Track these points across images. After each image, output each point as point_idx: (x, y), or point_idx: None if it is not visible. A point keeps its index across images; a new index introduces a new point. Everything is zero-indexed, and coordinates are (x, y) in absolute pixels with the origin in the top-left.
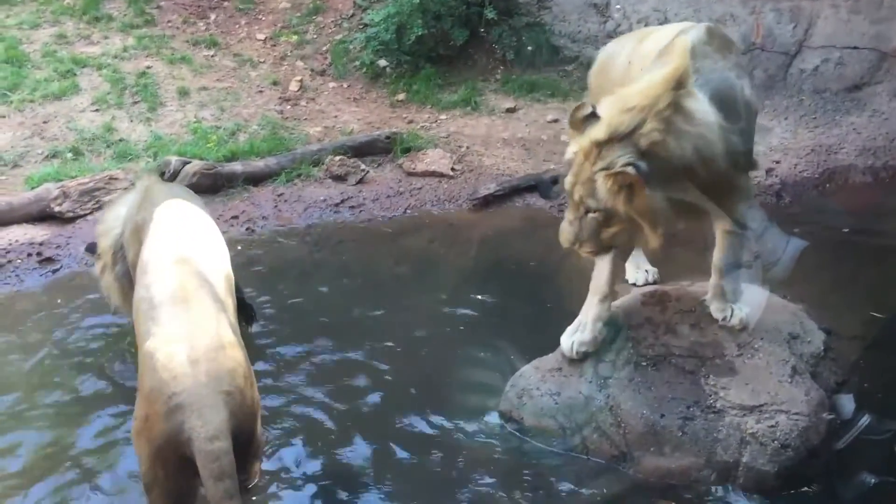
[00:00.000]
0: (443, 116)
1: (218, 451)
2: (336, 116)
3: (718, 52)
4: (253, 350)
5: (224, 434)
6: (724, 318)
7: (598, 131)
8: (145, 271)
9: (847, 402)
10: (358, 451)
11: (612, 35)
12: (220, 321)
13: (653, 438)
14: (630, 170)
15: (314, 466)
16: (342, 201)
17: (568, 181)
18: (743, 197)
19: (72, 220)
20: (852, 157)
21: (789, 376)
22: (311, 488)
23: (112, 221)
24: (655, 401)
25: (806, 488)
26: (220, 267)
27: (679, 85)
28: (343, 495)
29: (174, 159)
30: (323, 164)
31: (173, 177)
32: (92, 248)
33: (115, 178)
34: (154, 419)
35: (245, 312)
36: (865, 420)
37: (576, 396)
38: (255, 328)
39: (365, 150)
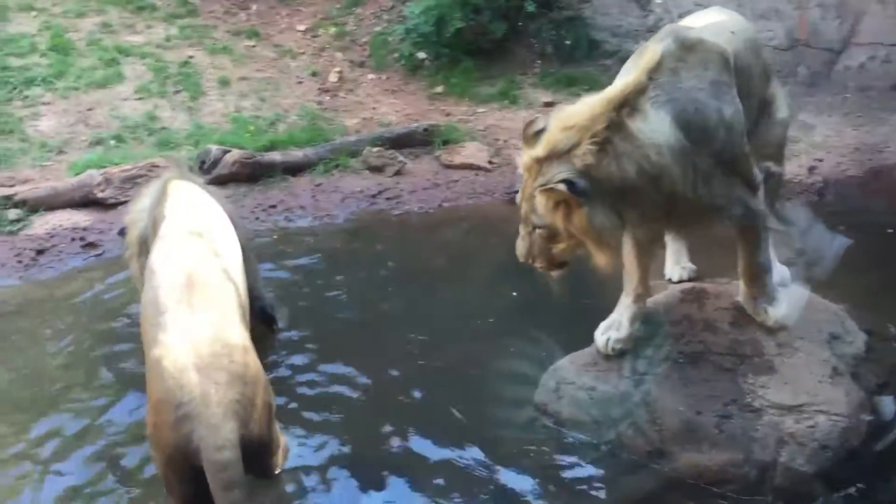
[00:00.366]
0: (481, 109)
1: (226, 462)
2: (374, 108)
3: (694, 68)
4: (287, 341)
5: (232, 443)
6: (760, 319)
7: (538, 148)
8: (153, 272)
9: (888, 404)
10: (391, 442)
11: (652, 29)
12: (228, 326)
13: (689, 436)
14: (561, 187)
15: (345, 455)
16: (379, 192)
17: (518, 196)
18: (739, 212)
19: (114, 206)
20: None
21: (829, 377)
22: (342, 478)
23: (138, 213)
24: (692, 398)
25: (844, 491)
26: (229, 271)
27: (622, 104)
28: (376, 485)
29: (214, 148)
30: (361, 155)
31: (213, 165)
32: (123, 232)
33: (157, 166)
34: (163, 428)
35: (266, 319)
36: None
37: (611, 392)
38: (279, 330)
39: (403, 142)
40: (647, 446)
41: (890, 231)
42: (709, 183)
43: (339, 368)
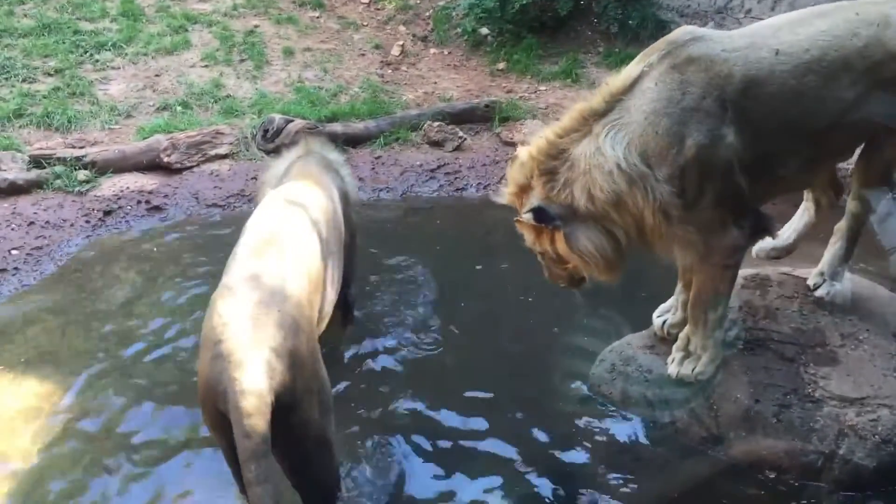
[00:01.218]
0: (542, 87)
1: (250, 408)
2: (436, 83)
3: (671, 90)
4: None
5: (259, 393)
6: (814, 286)
7: (510, 185)
8: (244, 232)
9: None
10: (445, 414)
11: (721, 11)
12: (292, 282)
13: (745, 423)
14: (527, 217)
15: (399, 425)
16: (438, 167)
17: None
18: (699, 250)
19: (179, 171)
20: None
21: (894, 370)
22: (398, 443)
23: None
24: (751, 385)
25: None
26: (315, 240)
27: (573, 130)
28: (432, 455)
29: (277, 117)
30: (421, 129)
31: (276, 134)
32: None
33: (222, 133)
34: (203, 365)
35: (345, 308)
36: None
37: (668, 375)
38: (351, 323)
39: (463, 118)
40: (702, 432)
41: None
42: (667, 214)
43: (390, 341)
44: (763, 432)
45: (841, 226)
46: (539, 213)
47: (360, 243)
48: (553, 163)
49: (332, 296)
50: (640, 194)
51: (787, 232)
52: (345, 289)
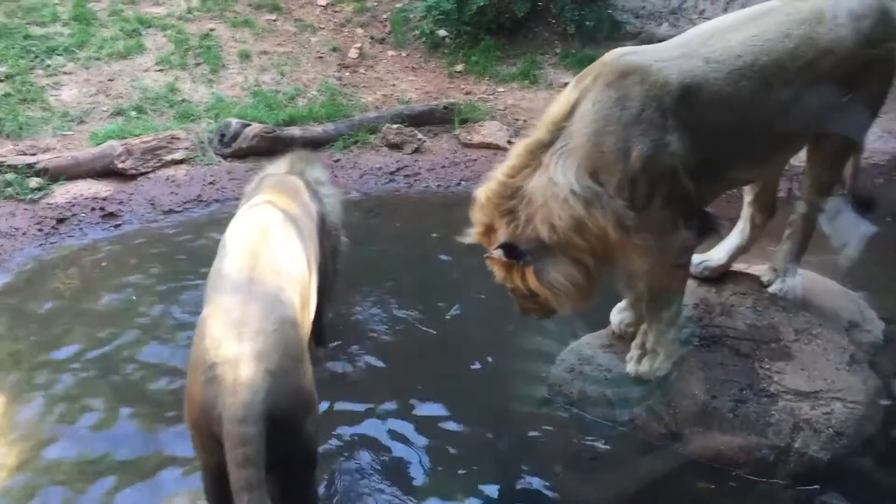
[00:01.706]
0: (501, 89)
1: (246, 436)
2: (394, 85)
3: (609, 107)
4: None
5: (256, 418)
6: (767, 283)
7: (476, 226)
8: (223, 245)
9: None
10: (405, 418)
11: (675, 12)
12: (285, 301)
13: (703, 419)
14: (496, 254)
15: (355, 426)
16: (398, 170)
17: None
18: (652, 259)
19: (134, 177)
20: None
21: (847, 364)
22: (355, 450)
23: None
24: (707, 382)
25: (858, 478)
26: (303, 258)
27: (522, 167)
28: (388, 461)
29: (234, 121)
30: (380, 131)
31: (233, 139)
32: None
33: (177, 138)
34: (193, 388)
35: (318, 334)
36: None
37: (626, 373)
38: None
39: (422, 120)
40: (661, 428)
41: None
42: (624, 226)
43: (350, 344)
44: (720, 428)
45: (793, 224)
46: (509, 250)
47: None
48: (511, 202)
49: (311, 315)
50: (599, 213)
51: (720, 253)
52: (320, 311)
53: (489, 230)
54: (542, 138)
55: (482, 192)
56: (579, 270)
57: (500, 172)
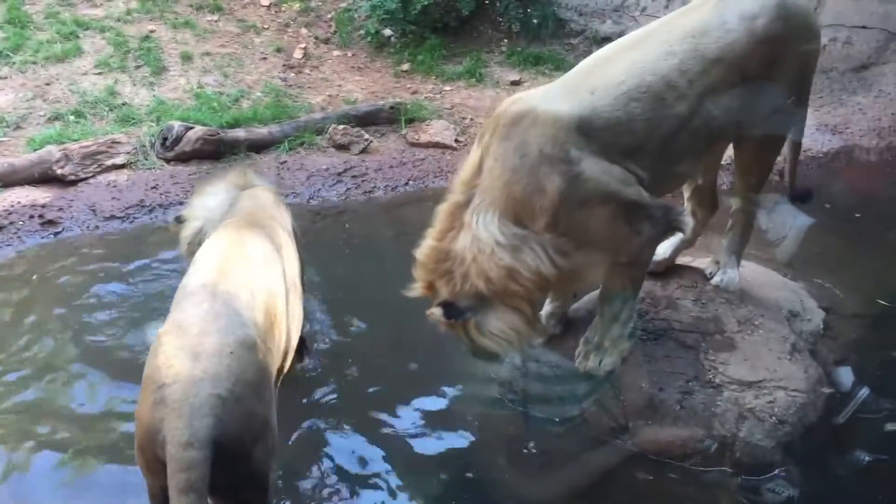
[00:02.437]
0: (447, 88)
1: (190, 461)
2: (340, 85)
3: (514, 155)
4: None
5: (201, 443)
6: (710, 275)
7: (419, 282)
8: (194, 263)
9: (846, 375)
10: (358, 422)
11: (618, 9)
12: (247, 322)
13: (651, 412)
14: (437, 314)
15: (312, 437)
16: (345, 171)
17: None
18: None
19: (74, 182)
20: (857, 138)
21: (788, 353)
22: (311, 461)
23: (198, 210)
24: (655, 374)
25: (801, 464)
26: (273, 276)
27: (448, 229)
28: (343, 466)
29: (177, 124)
30: (326, 132)
31: (176, 142)
32: (179, 220)
33: (118, 142)
34: (142, 408)
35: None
36: (864, 392)
37: (575, 369)
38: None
39: (369, 120)
40: (610, 422)
41: (850, 211)
42: (563, 253)
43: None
44: (668, 420)
45: (733, 217)
46: (448, 309)
47: None
48: (445, 264)
49: (295, 331)
50: (529, 256)
51: (665, 247)
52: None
53: (431, 286)
54: (459, 200)
55: (419, 256)
56: (520, 316)
57: (430, 237)
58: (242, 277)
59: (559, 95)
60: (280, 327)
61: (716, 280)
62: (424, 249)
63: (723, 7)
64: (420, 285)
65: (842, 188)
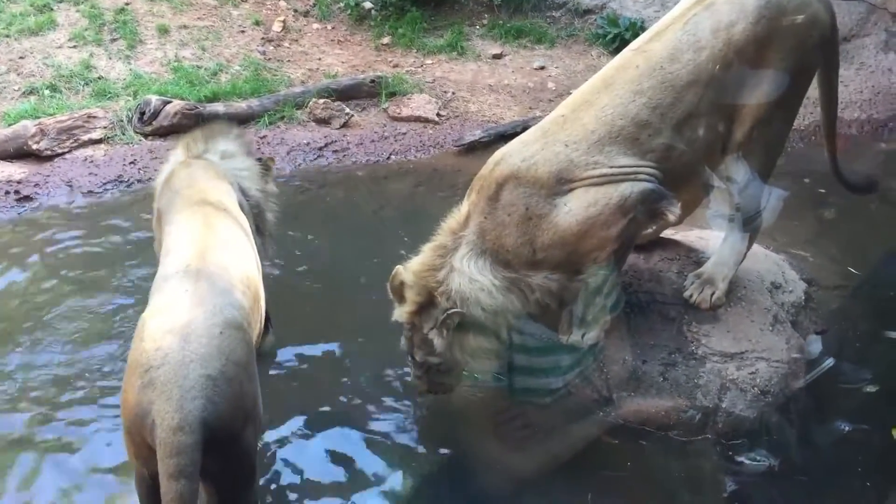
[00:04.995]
0: (428, 61)
1: (180, 445)
2: (320, 59)
3: (500, 215)
4: None
5: (193, 428)
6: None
7: (409, 304)
8: (168, 251)
9: (815, 343)
10: (334, 398)
11: None
12: (232, 303)
13: (635, 383)
14: (455, 319)
15: (290, 412)
16: (326, 145)
17: (405, 345)
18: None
19: (50, 158)
20: (838, 110)
21: (770, 325)
22: (289, 438)
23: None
24: (638, 347)
25: (783, 433)
26: (248, 255)
27: (431, 267)
28: (322, 437)
29: (154, 98)
30: (306, 106)
31: (153, 117)
32: None
33: (94, 117)
34: (129, 392)
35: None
36: (830, 362)
37: (559, 341)
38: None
39: (349, 94)
40: (594, 394)
41: (830, 183)
42: (551, 292)
43: (280, 323)
44: (651, 391)
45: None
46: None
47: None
48: (432, 296)
49: (263, 307)
50: (516, 297)
51: None
52: None
53: (417, 314)
54: (446, 243)
55: (407, 279)
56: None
57: (417, 265)
58: (221, 259)
59: (538, 151)
60: (260, 306)
61: (688, 294)
62: (414, 276)
63: (694, 25)
64: (408, 309)
65: (822, 160)
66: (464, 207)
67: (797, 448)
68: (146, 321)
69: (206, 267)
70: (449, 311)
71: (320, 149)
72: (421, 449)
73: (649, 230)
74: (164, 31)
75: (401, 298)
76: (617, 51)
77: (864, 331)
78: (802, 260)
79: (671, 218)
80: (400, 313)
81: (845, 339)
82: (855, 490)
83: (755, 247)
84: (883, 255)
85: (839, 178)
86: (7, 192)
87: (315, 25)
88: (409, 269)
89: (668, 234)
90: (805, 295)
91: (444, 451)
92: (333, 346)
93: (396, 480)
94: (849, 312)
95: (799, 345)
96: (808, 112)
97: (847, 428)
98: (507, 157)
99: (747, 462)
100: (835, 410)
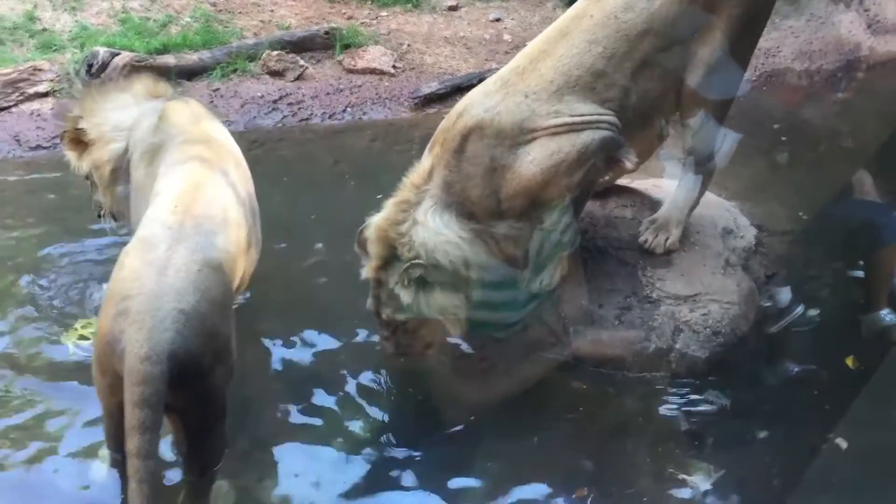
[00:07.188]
0: (383, 13)
1: (146, 375)
2: (272, 10)
3: (466, 167)
4: None
5: (160, 358)
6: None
7: (374, 259)
8: (157, 194)
9: (784, 292)
10: (295, 349)
11: None
12: (216, 244)
13: (590, 327)
14: (417, 271)
15: (263, 365)
16: (280, 98)
17: (371, 304)
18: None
19: None
20: (789, 61)
21: (722, 268)
22: (261, 393)
23: (111, 132)
24: (595, 292)
25: (734, 374)
26: (243, 202)
27: (395, 224)
28: (289, 394)
29: (102, 50)
30: (260, 59)
31: (101, 69)
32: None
33: (40, 69)
34: (103, 321)
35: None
36: (800, 309)
37: (515, 275)
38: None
39: (303, 46)
40: (550, 337)
41: (776, 130)
42: (517, 237)
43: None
44: (607, 334)
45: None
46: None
47: None
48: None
49: (255, 256)
50: (482, 248)
51: None
52: None
53: (383, 268)
54: (409, 198)
55: (370, 235)
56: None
57: (380, 220)
58: (211, 205)
59: (499, 102)
60: (242, 259)
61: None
62: (377, 231)
63: None
64: (375, 265)
65: (773, 109)
66: (426, 161)
67: (748, 389)
68: (128, 252)
69: (195, 208)
70: (412, 262)
71: (275, 102)
72: (382, 388)
73: (606, 178)
74: None
75: (366, 255)
76: (571, 2)
77: (811, 274)
78: (754, 205)
79: (628, 166)
80: (367, 270)
81: (793, 282)
82: (805, 427)
83: (708, 194)
84: (831, 198)
85: None
86: None
87: None
88: (373, 225)
89: (623, 181)
90: (756, 240)
91: (409, 389)
92: (279, 298)
93: (356, 423)
94: (796, 256)
95: (749, 288)
96: (759, 63)
97: (796, 369)
98: (470, 108)
99: (700, 402)
100: (784, 352)
